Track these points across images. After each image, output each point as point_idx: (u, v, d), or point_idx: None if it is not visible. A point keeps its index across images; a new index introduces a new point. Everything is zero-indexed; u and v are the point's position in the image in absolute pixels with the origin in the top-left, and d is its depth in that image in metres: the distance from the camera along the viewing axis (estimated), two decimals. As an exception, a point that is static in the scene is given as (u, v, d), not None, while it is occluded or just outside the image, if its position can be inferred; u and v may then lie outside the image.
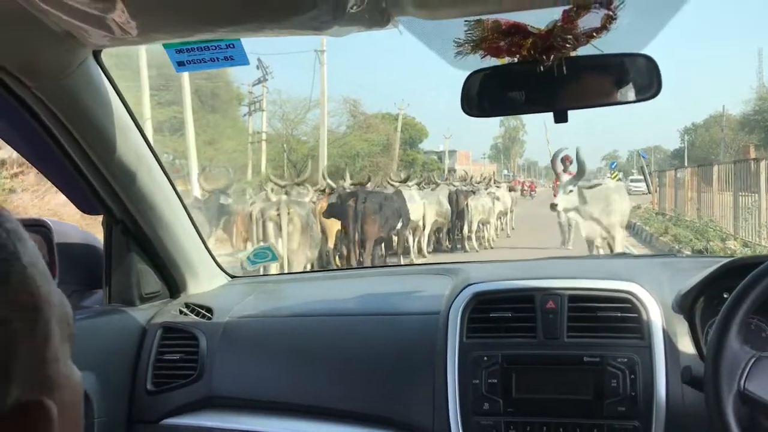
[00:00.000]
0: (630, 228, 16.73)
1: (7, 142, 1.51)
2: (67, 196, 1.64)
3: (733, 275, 1.30)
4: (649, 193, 23.75)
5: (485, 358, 1.44)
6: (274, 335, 1.72)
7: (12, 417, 0.41)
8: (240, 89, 26.60)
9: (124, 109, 1.47)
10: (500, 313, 1.49)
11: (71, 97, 1.34)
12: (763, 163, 11.83)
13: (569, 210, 8.82)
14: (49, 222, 1.76)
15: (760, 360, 1.13)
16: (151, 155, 1.60)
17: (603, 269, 1.66)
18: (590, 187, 8.83)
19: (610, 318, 1.45)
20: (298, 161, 24.70)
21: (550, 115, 1.32)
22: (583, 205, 8.74)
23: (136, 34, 1.12)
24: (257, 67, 24.48)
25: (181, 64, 1.38)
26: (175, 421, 1.64)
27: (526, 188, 32.65)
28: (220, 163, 20.11)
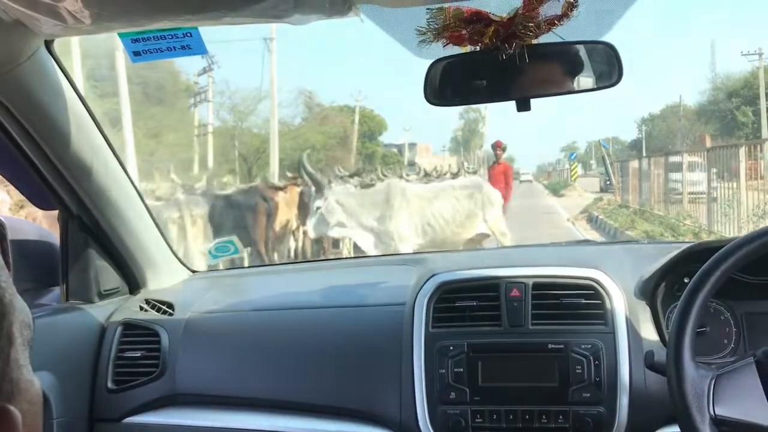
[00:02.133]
0: (592, 221, 16.84)
1: None
2: (20, 191, 1.59)
3: (695, 260, 1.32)
4: (611, 184, 23.70)
5: (451, 348, 1.44)
6: (238, 330, 1.69)
7: None
8: (189, 80, 25.60)
9: (79, 101, 1.43)
10: (465, 302, 1.49)
11: (22, 88, 1.29)
12: (742, 150, 11.07)
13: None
14: (2, 219, 1.70)
15: (719, 380, 1.12)
16: (108, 148, 1.56)
17: (567, 256, 1.67)
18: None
19: (573, 305, 1.46)
20: (249, 155, 23.96)
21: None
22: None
23: (90, 23, 1.09)
24: (202, 56, 23.26)
25: (137, 54, 1.34)
26: (138, 419, 1.61)
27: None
28: (162, 158, 19.07)
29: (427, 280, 1.53)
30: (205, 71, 24.63)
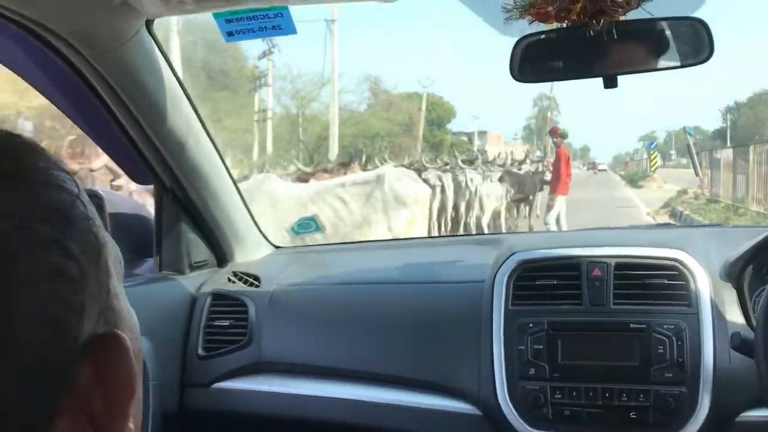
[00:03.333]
0: (675, 216, 15.14)
1: (62, 111, 1.54)
2: (119, 165, 1.68)
3: (784, 243, 1.29)
4: (698, 176, 21.62)
5: (531, 325, 1.45)
6: (320, 302, 1.75)
7: (89, 350, 0.43)
8: (252, 65, 25.14)
9: (175, 80, 1.50)
10: (546, 281, 1.50)
11: (125, 66, 1.37)
12: None
13: None
14: (101, 192, 1.81)
15: None
16: (201, 126, 1.63)
17: (650, 238, 1.65)
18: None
19: (656, 285, 1.44)
20: (310, 141, 23.51)
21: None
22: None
23: (190, 3, 1.15)
24: (262, 39, 22.32)
25: (230, 34, 1.40)
26: (226, 384, 1.69)
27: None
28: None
29: (508, 258, 1.54)
30: (265, 55, 24.15)
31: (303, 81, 25.06)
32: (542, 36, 1.30)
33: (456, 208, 11.66)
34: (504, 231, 11.96)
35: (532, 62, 1.32)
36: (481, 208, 11.65)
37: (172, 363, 1.70)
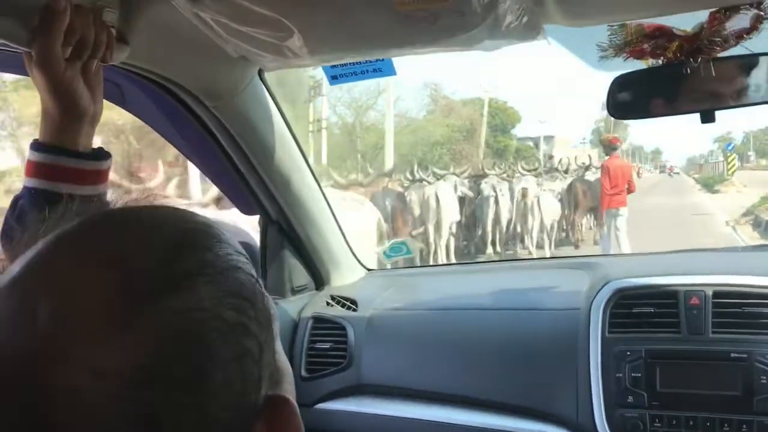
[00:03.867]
0: (760, 227, 13.96)
1: (181, 151, 1.67)
2: (230, 199, 1.80)
3: None
4: None
5: (628, 353, 1.47)
6: (416, 327, 1.81)
7: (263, 412, 0.49)
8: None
9: (283, 122, 1.61)
10: (642, 309, 1.52)
11: (240, 112, 1.48)
12: None
13: None
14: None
15: None
16: (305, 163, 1.73)
17: (747, 263, 1.65)
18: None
19: (756, 314, 1.44)
20: (367, 151, 22.78)
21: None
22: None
23: (306, 57, 1.24)
24: None
25: (334, 78, 1.49)
26: (328, 405, 1.77)
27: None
28: None
29: (603, 286, 1.57)
30: (320, 64, 23.82)
31: (359, 89, 24.66)
32: (638, 73, 1.33)
33: (509, 220, 11.29)
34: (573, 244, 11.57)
35: (629, 99, 1.35)
36: (534, 219, 11.14)
37: (279, 384, 1.80)
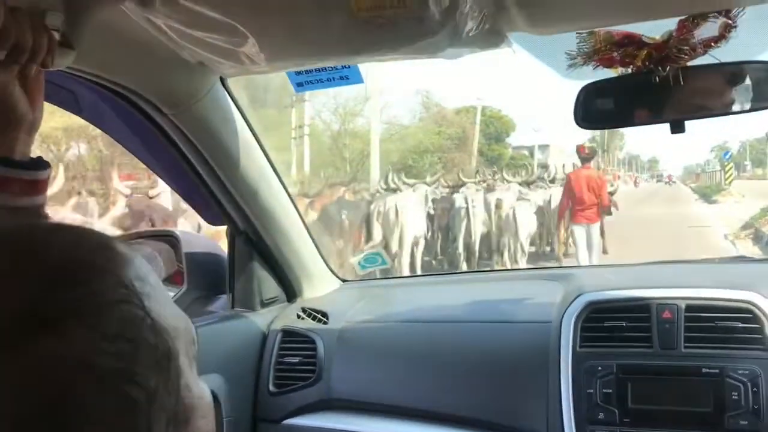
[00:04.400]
0: (760, 241, 12.88)
1: (141, 160, 1.63)
2: (194, 209, 1.76)
3: None
4: None
5: (599, 368, 1.44)
6: (387, 340, 1.78)
7: None
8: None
9: (248, 130, 1.57)
10: (614, 323, 1.48)
11: (201, 120, 1.44)
12: None
13: None
14: (177, 232, 1.89)
15: None
16: (272, 171, 1.69)
17: (720, 277, 1.62)
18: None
19: (729, 329, 1.42)
20: (353, 158, 21.64)
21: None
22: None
23: (264, 64, 1.20)
24: None
25: (299, 85, 1.46)
26: (296, 421, 1.73)
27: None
28: None
29: (575, 298, 1.54)
30: (303, 69, 23.20)
31: (345, 96, 23.04)
32: (607, 82, 1.30)
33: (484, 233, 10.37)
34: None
35: (597, 109, 1.32)
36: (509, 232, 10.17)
37: (245, 399, 1.76)
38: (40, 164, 0.95)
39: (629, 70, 1.29)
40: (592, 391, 1.44)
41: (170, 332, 0.48)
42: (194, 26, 1.10)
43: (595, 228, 8.74)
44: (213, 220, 1.79)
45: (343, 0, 1.03)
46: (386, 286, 2.23)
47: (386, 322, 1.84)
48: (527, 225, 10.18)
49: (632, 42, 1.26)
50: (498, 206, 10.28)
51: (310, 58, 1.25)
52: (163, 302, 0.49)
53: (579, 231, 8.75)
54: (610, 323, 1.49)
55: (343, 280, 2.16)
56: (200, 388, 0.53)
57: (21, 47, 0.89)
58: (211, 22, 1.08)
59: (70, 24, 1.01)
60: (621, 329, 1.48)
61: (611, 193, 9.59)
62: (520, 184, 11.54)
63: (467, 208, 10.21)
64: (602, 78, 1.30)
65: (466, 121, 27.05)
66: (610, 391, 1.42)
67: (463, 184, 11.35)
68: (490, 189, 10.81)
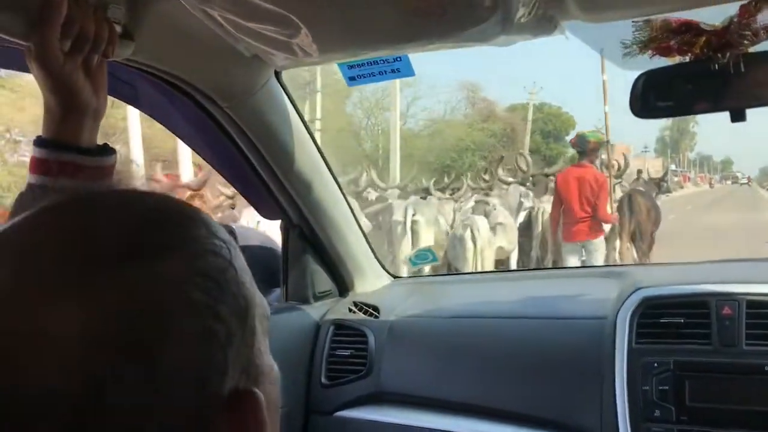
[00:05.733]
0: None
1: (198, 153, 1.68)
2: (250, 203, 1.80)
3: None
4: None
5: (656, 365, 1.41)
6: (438, 335, 1.77)
7: (229, 405, 0.47)
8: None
9: (302, 124, 1.59)
10: (672, 319, 1.45)
11: (256, 113, 1.47)
12: None
13: None
14: (233, 226, 1.93)
15: None
16: (325, 165, 1.72)
17: None
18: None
19: None
20: (380, 155, 19.93)
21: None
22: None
23: (317, 55, 1.22)
24: None
25: (352, 79, 1.47)
26: (347, 413, 1.74)
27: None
28: None
29: (631, 294, 1.50)
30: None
31: (372, 88, 21.45)
32: (664, 71, 1.27)
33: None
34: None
35: (654, 98, 1.29)
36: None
37: (298, 390, 1.78)
38: (106, 150, 0.99)
39: (687, 59, 1.26)
40: (647, 388, 1.40)
41: (249, 294, 0.52)
42: (249, 18, 1.12)
43: (596, 245, 6.59)
44: (268, 214, 1.82)
45: (393, -12, 1.04)
46: (437, 283, 2.23)
47: (437, 317, 1.84)
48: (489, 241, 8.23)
49: (690, 29, 1.23)
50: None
51: (361, 49, 1.26)
52: (244, 268, 0.53)
53: (570, 252, 6.67)
54: (667, 319, 1.45)
55: (394, 276, 2.16)
56: (270, 359, 0.56)
57: (85, 37, 0.93)
58: (266, 14, 1.11)
59: (130, 16, 1.05)
60: (678, 326, 1.44)
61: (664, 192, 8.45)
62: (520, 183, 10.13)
63: (404, 223, 8.16)
64: (659, 66, 1.28)
65: (516, 118, 25.67)
66: (667, 388, 1.39)
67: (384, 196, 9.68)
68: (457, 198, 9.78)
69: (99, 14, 0.95)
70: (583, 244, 6.55)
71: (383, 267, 2.12)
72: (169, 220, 0.50)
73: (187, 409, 0.45)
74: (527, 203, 9.14)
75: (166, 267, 0.46)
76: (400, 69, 1.44)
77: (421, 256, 2.23)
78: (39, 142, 0.95)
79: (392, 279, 2.14)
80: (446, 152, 21.46)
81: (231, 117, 1.44)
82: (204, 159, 1.65)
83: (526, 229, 9.01)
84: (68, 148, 0.94)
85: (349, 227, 1.90)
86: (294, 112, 1.57)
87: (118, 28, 1.01)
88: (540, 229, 8.78)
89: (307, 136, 1.63)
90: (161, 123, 1.48)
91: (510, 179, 10.31)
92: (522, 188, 9.51)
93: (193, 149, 1.60)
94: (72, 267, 0.44)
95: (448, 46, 1.20)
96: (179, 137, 1.55)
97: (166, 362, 0.44)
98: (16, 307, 0.42)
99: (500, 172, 10.85)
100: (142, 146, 11.46)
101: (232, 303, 0.49)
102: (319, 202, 1.75)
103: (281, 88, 1.51)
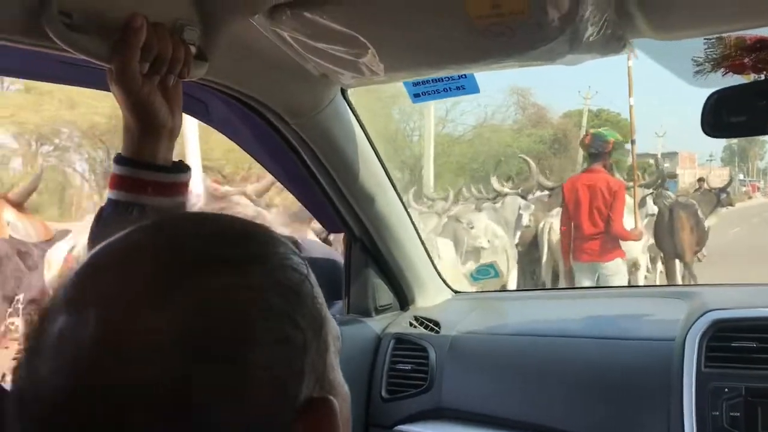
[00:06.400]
0: None
1: (265, 168, 1.72)
2: (314, 216, 1.83)
3: None
4: None
5: (726, 390, 1.37)
6: (500, 352, 1.76)
7: (305, 410, 0.49)
8: None
9: (366, 140, 1.62)
10: (743, 343, 1.40)
11: (323, 130, 1.50)
12: None
13: None
14: (298, 239, 1.97)
15: None
16: (388, 180, 1.73)
17: None
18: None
19: None
20: (415, 162, 19.07)
21: None
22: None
23: (383, 74, 1.24)
24: None
25: (417, 96, 1.48)
26: (407, 428, 1.74)
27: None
28: None
29: (700, 316, 1.47)
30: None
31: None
32: (737, 89, 1.24)
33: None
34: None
35: (727, 116, 1.26)
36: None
37: (358, 403, 1.79)
38: (181, 167, 1.03)
39: (762, 76, 1.23)
40: (717, 413, 1.36)
41: (323, 311, 0.55)
42: (318, 38, 1.15)
43: (610, 268, 5.43)
44: (332, 228, 1.85)
45: (461, 9, 1.05)
46: (499, 299, 2.21)
47: (499, 334, 1.82)
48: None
49: (766, 46, 1.20)
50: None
51: (427, 68, 1.27)
52: (317, 285, 0.57)
53: (583, 275, 5.50)
54: (738, 343, 1.41)
55: (456, 291, 2.16)
56: (342, 378, 0.58)
57: (162, 59, 0.98)
58: (334, 34, 1.13)
59: (204, 38, 1.09)
60: (750, 350, 1.39)
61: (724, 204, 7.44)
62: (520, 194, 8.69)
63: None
64: (731, 84, 1.25)
65: (569, 124, 24.68)
66: (738, 414, 1.34)
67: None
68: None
69: (175, 37, 1.00)
70: (593, 266, 5.45)
71: (444, 282, 2.12)
72: (255, 236, 0.55)
73: (267, 408, 0.47)
74: (526, 218, 8.00)
75: (249, 276, 0.50)
76: (465, 86, 1.44)
77: (483, 271, 2.22)
78: (119, 159, 0.99)
79: (453, 293, 2.14)
80: (489, 159, 20.68)
81: (298, 133, 1.47)
82: (271, 173, 1.69)
83: (530, 248, 8.18)
84: (147, 165, 0.98)
85: (410, 241, 1.91)
86: (359, 127, 1.59)
87: (193, 50, 1.05)
88: (546, 248, 7.81)
89: (372, 152, 1.65)
90: (230, 138, 1.53)
91: (506, 189, 8.96)
92: (522, 200, 8.17)
93: (260, 163, 1.64)
94: (166, 275, 0.48)
95: (514, 65, 1.20)
96: (247, 152, 1.59)
97: (249, 366, 0.47)
98: (122, 308, 0.47)
99: (493, 181, 9.78)
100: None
101: (308, 315, 0.52)
102: (382, 216, 1.77)
103: (347, 105, 1.54)
